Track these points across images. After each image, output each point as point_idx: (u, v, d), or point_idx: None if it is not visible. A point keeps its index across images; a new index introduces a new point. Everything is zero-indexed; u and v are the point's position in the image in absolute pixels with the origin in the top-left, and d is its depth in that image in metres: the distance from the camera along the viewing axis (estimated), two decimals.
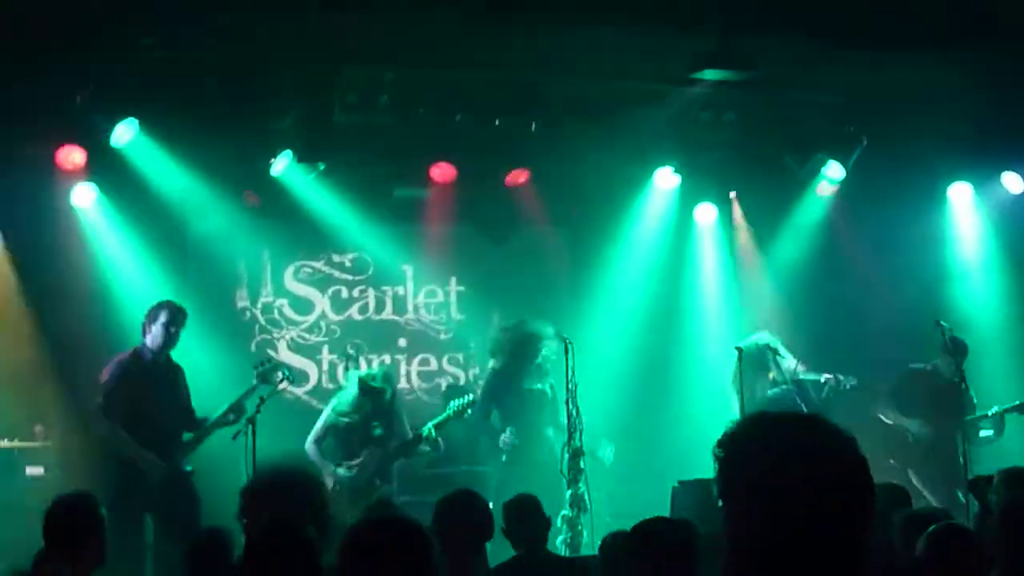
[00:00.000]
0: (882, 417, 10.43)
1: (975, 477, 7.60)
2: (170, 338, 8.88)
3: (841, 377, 10.25)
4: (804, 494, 2.09)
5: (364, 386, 9.66)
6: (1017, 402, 10.17)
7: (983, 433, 10.28)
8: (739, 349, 10.00)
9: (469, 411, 9.98)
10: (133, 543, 8.67)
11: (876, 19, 9.63)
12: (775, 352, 10.24)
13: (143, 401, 8.65)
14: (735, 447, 2.18)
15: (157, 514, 8.78)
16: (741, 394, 9.81)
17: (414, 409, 10.44)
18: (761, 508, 2.12)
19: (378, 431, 9.61)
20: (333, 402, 9.84)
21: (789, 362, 10.31)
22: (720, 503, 2.20)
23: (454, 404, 9.93)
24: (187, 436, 9.05)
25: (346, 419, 9.60)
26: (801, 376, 10.27)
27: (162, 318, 8.84)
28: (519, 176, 11.37)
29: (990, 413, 10.22)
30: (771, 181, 11.82)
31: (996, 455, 10.30)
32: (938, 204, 12.23)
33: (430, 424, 9.75)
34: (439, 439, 9.78)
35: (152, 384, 8.74)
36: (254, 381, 9.07)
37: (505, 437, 9.95)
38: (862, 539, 2.12)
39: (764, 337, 10.36)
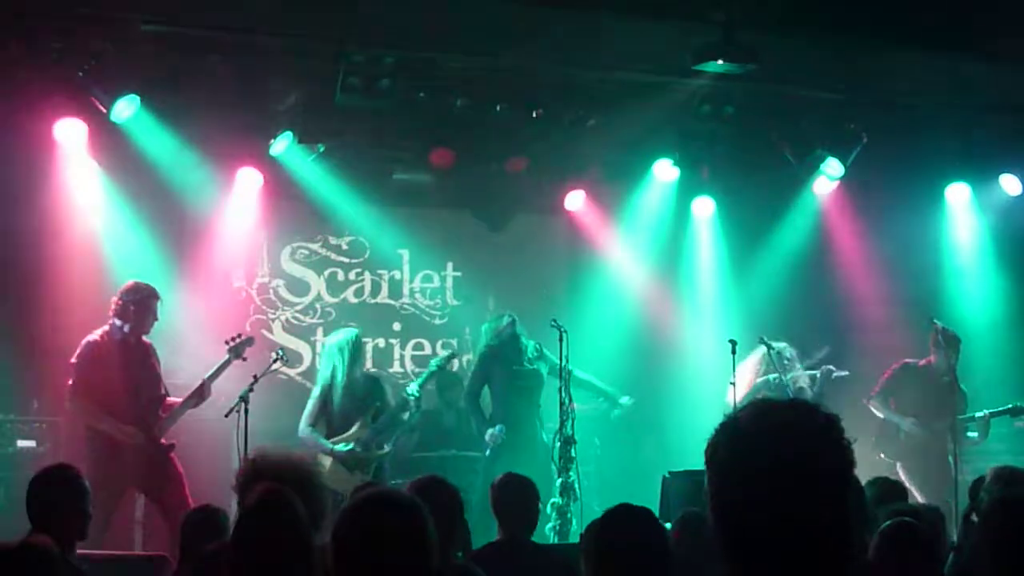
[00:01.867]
0: (874, 410, 10.43)
1: (977, 478, 7.64)
2: (152, 325, 8.89)
3: (833, 369, 10.29)
4: (783, 475, 2.09)
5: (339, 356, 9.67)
6: (1007, 406, 10.19)
7: (969, 434, 10.31)
8: (733, 342, 10.02)
9: (450, 364, 10.14)
10: (120, 515, 8.73)
11: (879, 17, 9.65)
12: (790, 365, 10.28)
13: (115, 380, 8.61)
14: (719, 436, 2.19)
15: (143, 488, 8.79)
16: (734, 385, 9.84)
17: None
18: (744, 494, 2.12)
19: (366, 401, 9.62)
20: (319, 381, 9.82)
21: (796, 374, 10.35)
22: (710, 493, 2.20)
23: (435, 360, 9.98)
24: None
25: (332, 393, 9.59)
26: (802, 384, 10.31)
27: (154, 307, 8.83)
28: (518, 163, 11.36)
29: (977, 416, 10.25)
30: (770, 176, 11.84)
31: (983, 454, 10.39)
32: (936, 204, 12.26)
33: (415, 383, 9.78)
34: (421, 397, 9.78)
35: (124, 363, 8.69)
36: (227, 355, 9.05)
37: (492, 432, 9.99)
38: (844, 521, 2.12)
39: (785, 349, 10.38)
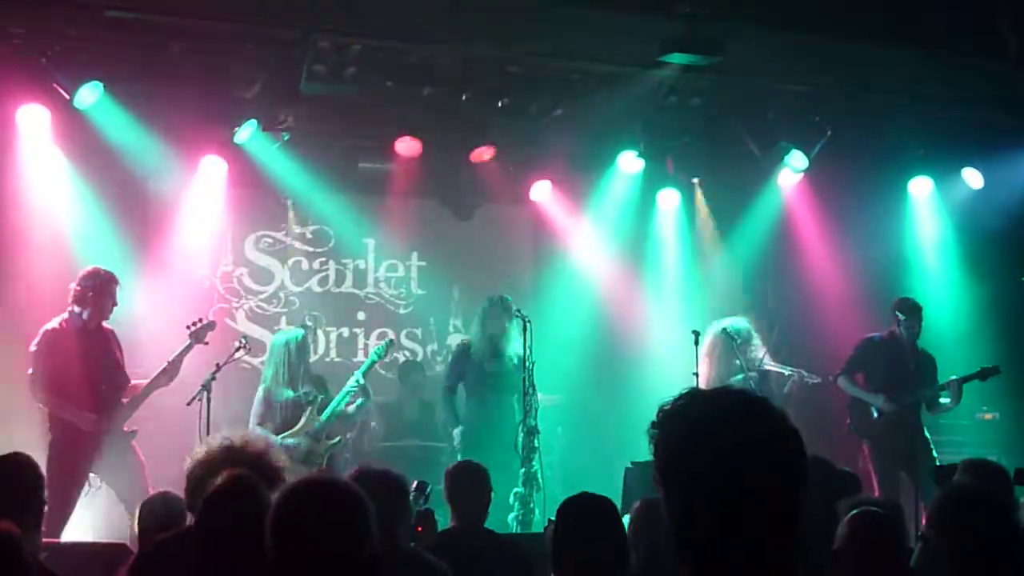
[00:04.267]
0: (843, 388, 10.39)
1: (940, 466, 7.68)
2: (112, 310, 8.84)
3: (805, 373, 10.29)
4: (728, 464, 2.09)
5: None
6: (975, 370, 10.19)
7: (942, 401, 10.32)
8: (695, 333, 10.06)
9: (387, 353, 10.10)
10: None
11: (844, 10, 9.70)
12: (745, 340, 10.28)
13: (75, 368, 8.55)
14: (662, 423, 2.19)
15: (104, 476, 8.75)
16: (697, 376, 9.88)
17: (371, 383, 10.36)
18: (689, 481, 2.13)
19: (309, 396, 9.58)
20: (263, 381, 9.77)
21: (758, 351, 10.34)
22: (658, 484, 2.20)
23: (375, 350, 9.96)
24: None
25: (276, 391, 9.55)
26: (766, 366, 10.31)
27: (113, 292, 8.77)
28: (484, 153, 11.36)
29: (949, 381, 10.19)
30: (734, 168, 11.89)
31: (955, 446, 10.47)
32: (899, 197, 12.34)
33: (357, 373, 9.76)
34: (367, 385, 9.76)
35: (84, 350, 8.64)
36: (188, 340, 9.01)
37: (455, 433, 9.99)
38: (791, 513, 2.12)
39: (738, 323, 10.38)
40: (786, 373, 10.27)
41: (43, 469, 5.37)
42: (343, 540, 3.00)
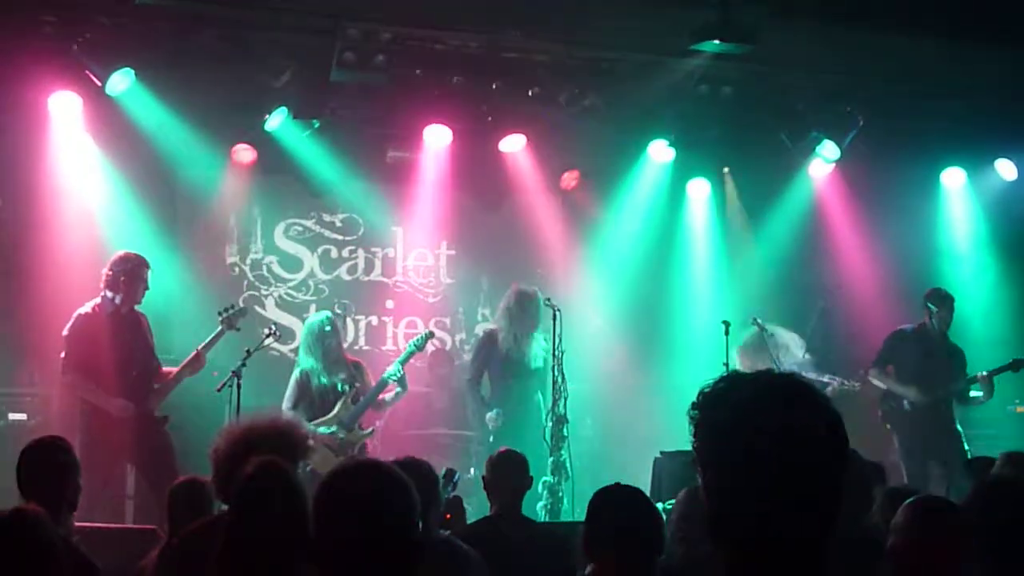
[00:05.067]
0: (875, 381, 10.32)
1: (974, 458, 7.63)
2: (144, 294, 8.87)
3: (845, 382, 10.23)
4: (769, 446, 2.06)
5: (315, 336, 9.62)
6: (1007, 362, 10.11)
7: (973, 394, 10.25)
8: (726, 323, 10.01)
9: (426, 344, 10.06)
10: (111, 489, 8.71)
11: (877, 1, 9.64)
12: (783, 346, 10.24)
13: (107, 353, 8.58)
14: (703, 404, 2.17)
15: (135, 461, 8.78)
16: (727, 367, 9.82)
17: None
18: (729, 463, 2.10)
19: (345, 384, 9.57)
20: (298, 364, 9.76)
21: (795, 355, 10.28)
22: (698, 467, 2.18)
23: (414, 341, 9.93)
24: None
25: (312, 376, 9.53)
26: (804, 372, 10.26)
27: (144, 276, 8.80)
28: (514, 142, 11.33)
29: (980, 375, 10.12)
30: (766, 158, 11.82)
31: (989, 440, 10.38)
32: (931, 188, 12.26)
33: (396, 363, 9.73)
34: (404, 375, 9.74)
35: (116, 335, 8.67)
36: (219, 326, 9.03)
37: (490, 416, 9.95)
38: (831, 497, 2.10)
39: (777, 331, 10.34)
40: (824, 380, 10.16)
41: (77, 453, 5.39)
42: (389, 523, 2.98)
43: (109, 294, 8.71)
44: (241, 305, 9.36)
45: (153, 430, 8.72)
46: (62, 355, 8.63)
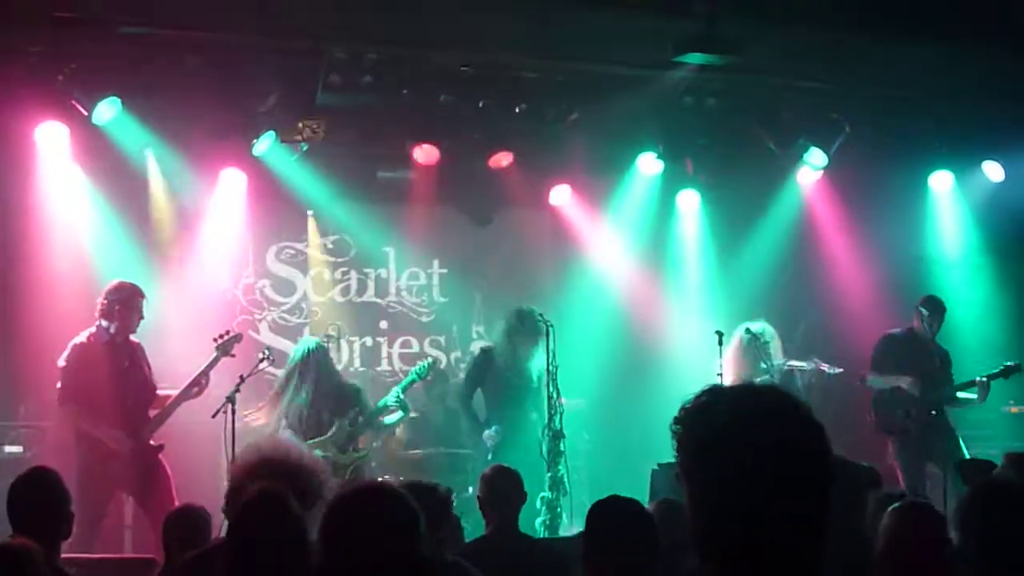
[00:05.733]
0: (872, 384, 10.30)
1: (966, 460, 7.62)
2: (139, 323, 8.87)
3: (825, 367, 10.27)
4: (753, 460, 2.06)
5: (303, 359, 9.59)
6: (999, 367, 10.11)
7: (965, 396, 10.22)
8: (719, 333, 10.03)
9: (429, 374, 10.10)
10: (109, 519, 8.70)
11: (859, 6, 9.66)
12: (768, 342, 10.26)
13: (104, 383, 8.57)
14: (685, 419, 2.17)
15: (132, 491, 8.77)
16: (721, 377, 9.84)
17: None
18: (713, 478, 2.10)
19: (345, 407, 9.53)
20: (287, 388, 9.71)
21: (779, 353, 10.33)
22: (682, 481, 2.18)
23: (416, 368, 9.92)
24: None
25: (305, 396, 9.50)
26: (788, 365, 10.29)
27: (139, 305, 8.80)
28: (502, 159, 11.35)
29: (977, 380, 10.11)
30: (754, 167, 11.84)
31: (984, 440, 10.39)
32: (919, 192, 12.28)
33: (396, 389, 9.72)
34: (406, 401, 9.74)
35: (112, 365, 8.66)
36: (215, 353, 9.02)
37: (489, 433, 9.94)
38: (821, 509, 2.10)
39: (758, 326, 10.36)
40: (807, 367, 10.25)
41: (69, 484, 5.37)
42: (394, 548, 2.97)
43: (104, 323, 8.70)
44: (236, 331, 9.34)
45: (149, 458, 8.68)
46: (58, 385, 8.61)
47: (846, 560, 3.78)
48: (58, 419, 8.89)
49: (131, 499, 9.10)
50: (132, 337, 8.89)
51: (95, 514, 8.23)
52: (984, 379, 10.02)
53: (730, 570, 2.10)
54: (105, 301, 8.72)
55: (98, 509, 8.27)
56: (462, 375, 11.56)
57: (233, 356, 9.11)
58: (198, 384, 8.88)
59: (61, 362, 8.61)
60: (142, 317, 8.86)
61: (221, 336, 9.12)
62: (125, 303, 8.73)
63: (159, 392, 8.98)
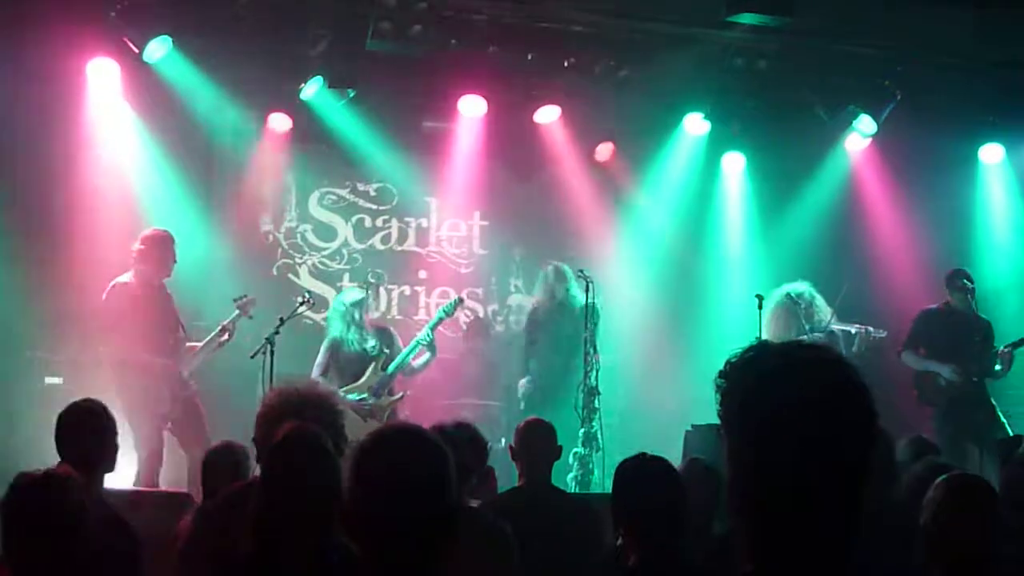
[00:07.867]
0: (908, 363, 10.25)
1: (1006, 438, 7.54)
2: (173, 267, 9.08)
3: (871, 329, 10.22)
4: (796, 415, 2.05)
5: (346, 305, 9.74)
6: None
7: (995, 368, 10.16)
8: (759, 297, 9.98)
9: (455, 311, 10.21)
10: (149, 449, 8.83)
11: None
12: (809, 303, 10.21)
13: (144, 320, 8.77)
14: (730, 373, 2.16)
15: (174, 423, 8.89)
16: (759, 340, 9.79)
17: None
18: (754, 432, 2.10)
19: (375, 350, 9.66)
20: (329, 334, 9.86)
21: (823, 314, 10.26)
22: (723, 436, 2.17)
23: (444, 306, 10.04)
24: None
25: (342, 343, 9.63)
26: (833, 327, 10.23)
27: (172, 250, 9.04)
28: (549, 113, 11.31)
29: (1001, 349, 10.06)
30: (802, 131, 11.73)
31: None
32: (969, 163, 12.15)
33: (425, 329, 9.82)
34: (434, 341, 9.84)
35: (151, 305, 8.88)
36: (235, 311, 9.26)
37: (523, 382, 10.03)
38: (860, 467, 2.08)
39: (800, 287, 10.30)
40: (852, 331, 10.17)
41: (117, 416, 5.43)
42: (427, 490, 2.96)
43: (141, 268, 8.91)
44: (252, 296, 9.46)
45: (187, 395, 8.90)
46: (101, 320, 8.77)
47: (883, 522, 3.77)
48: (100, 352, 8.96)
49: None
50: (164, 282, 9.07)
51: (153, 444, 8.53)
52: (1007, 349, 9.94)
53: (766, 524, 2.10)
54: (142, 247, 8.96)
55: (154, 439, 8.59)
56: (498, 327, 11.63)
57: (251, 318, 9.32)
58: (224, 334, 9.16)
59: (104, 297, 8.78)
60: (175, 261, 9.07)
61: (241, 298, 9.36)
62: (160, 248, 8.96)
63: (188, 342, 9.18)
